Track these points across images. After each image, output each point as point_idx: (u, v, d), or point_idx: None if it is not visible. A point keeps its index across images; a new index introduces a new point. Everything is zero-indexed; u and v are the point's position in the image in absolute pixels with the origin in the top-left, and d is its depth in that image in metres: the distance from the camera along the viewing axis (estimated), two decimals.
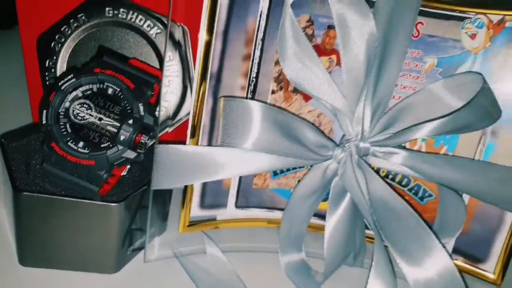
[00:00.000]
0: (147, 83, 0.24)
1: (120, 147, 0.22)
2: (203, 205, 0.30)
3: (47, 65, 0.30)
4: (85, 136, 0.23)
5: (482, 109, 0.27)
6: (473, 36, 0.28)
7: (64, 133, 0.22)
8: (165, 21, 0.29)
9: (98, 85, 0.23)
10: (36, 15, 0.30)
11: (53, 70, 0.30)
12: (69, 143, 0.22)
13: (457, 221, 0.28)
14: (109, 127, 0.23)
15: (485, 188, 0.26)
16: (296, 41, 0.26)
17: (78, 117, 0.23)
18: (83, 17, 0.29)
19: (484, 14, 0.27)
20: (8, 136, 0.28)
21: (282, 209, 0.31)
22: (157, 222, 0.30)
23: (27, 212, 0.25)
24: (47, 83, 0.30)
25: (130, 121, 0.22)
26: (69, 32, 0.29)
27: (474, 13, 0.27)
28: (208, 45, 0.27)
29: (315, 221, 0.32)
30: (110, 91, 0.23)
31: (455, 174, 0.26)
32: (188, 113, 0.29)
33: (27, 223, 0.25)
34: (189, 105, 0.30)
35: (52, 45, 0.29)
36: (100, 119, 0.23)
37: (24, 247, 0.26)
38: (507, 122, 0.28)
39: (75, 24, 0.29)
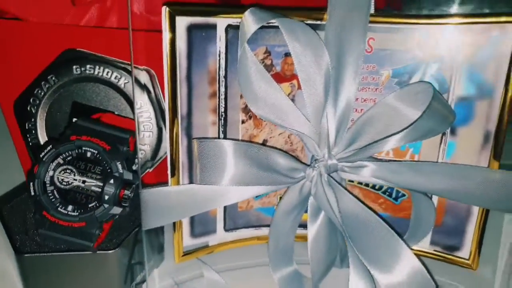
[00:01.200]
0: (121, 140, 0.26)
1: (106, 206, 0.24)
2: (193, 234, 0.33)
3: (27, 127, 0.31)
4: (72, 199, 0.25)
5: (438, 114, 0.28)
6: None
7: (53, 200, 0.24)
8: (129, 70, 0.31)
9: (76, 150, 0.25)
10: (11, 81, 0.32)
11: (33, 131, 0.31)
12: (59, 209, 0.24)
13: (429, 220, 0.30)
14: (93, 188, 0.25)
15: (449, 188, 0.28)
16: (256, 77, 0.28)
17: (63, 183, 0.25)
18: (53, 78, 0.31)
19: (431, 23, 0.29)
20: (3, 199, 0.30)
21: (268, 225, 0.34)
22: (154, 255, 0.32)
23: (31, 271, 0.27)
24: (30, 144, 0.31)
25: (111, 181, 0.24)
26: (42, 93, 0.31)
27: (422, 24, 0.29)
28: (173, 90, 0.28)
29: (302, 231, 0.34)
30: (88, 154, 0.25)
31: (421, 179, 0.28)
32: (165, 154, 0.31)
33: (33, 281, 0.27)
34: (165, 145, 0.32)
35: (29, 108, 0.31)
36: (83, 181, 0.25)
37: None
38: (461, 121, 0.30)
39: (47, 85, 0.31)
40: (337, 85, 0.29)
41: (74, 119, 0.27)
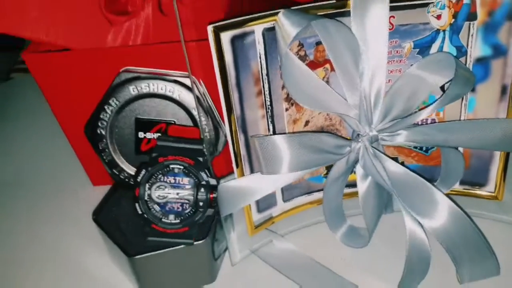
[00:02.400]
0: (198, 152, 0.30)
1: (202, 210, 0.29)
2: (259, 210, 0.38)
3: (100, 147, 0.36)
4: (171, 209, 0.30)
5: (462, 78, 0.32)
6: (438, 17, 0.33)
7: (156, 214, 0.29)
8: (184, 82, 0.34)
9: (165, 169, 0.29)
10: (70, 111, 0.36)
11: (106, 150, 0.36)
12: (163, 220, 0.29)
13: (458, 168, 0.35)
14: (186, 197, 0.30)
15: (473, 141, 0.33)
16: (297, 72, 0.32)
17: (160, 198, 0.29)
18: (114, 100, 0.35)
19: None
20: (96, 211, 0.35)
21: (317, 191, 0.39)
22: (231, 233, 0.38)
23: (143, 268, 0.33)
24: (106, 161, 0.36)
25: (202, 189, 0.29)
26: (107, 116, 0.35)
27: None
28: (227, 96, 0.32)
29: (347, 190, 0.40)
30: (176, 170, 0.29)
31: (448, 137, 0.33)
32: (225, 143, 0.36)
33: (145, 278, 0.33)
34: (223, 139, 0.36)
35: (98, 131, 0.35)
36: (177, 193, 0.29)
37: None
38: (480, 80, 0.34)
39: (110, 108, 0.35)
40: (368, 64, 0.32)
41: (157, 140, 0.31)
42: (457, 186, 0.39)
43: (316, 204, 0.40)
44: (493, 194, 0.37)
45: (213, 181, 0.30)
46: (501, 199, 0.37)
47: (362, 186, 0.36)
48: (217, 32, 0.30)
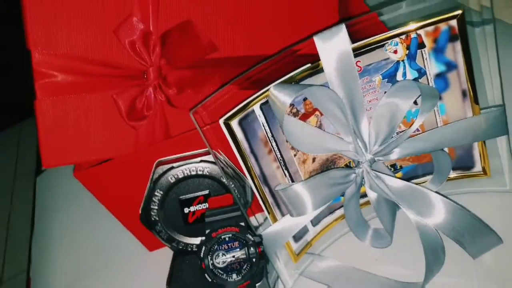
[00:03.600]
0: (239, 218, 0.38)
1: (255, 263, 0.37)
2: (296, 240, 0.45)
3: (157, 230, 0.43)
4: (232, 269, 0.37)
5: (427, 94, 0.39)
6: (395, 52, 0.39)
7: (222, 277, 0.37)
8: (208, 159, 0.42)
9: (219, 240, 0.37)
10: (122, 205, 0.44)
11: (162, 231, 0.43)
12: (229, 280, 0.37)
13: (447, 164, 0.42)
14: (241, 256, 0.37)
15: (452, 140, 0.40)
16: (294, 128, 0.39)
17: (221, 263, 0.37)
18: (158, 191, 0.42)
19: (395, 36, 0.39)
20: (168, 281, 0.43)
21: (338, 208, 0.46)
22: (278, 264, 0.46)
23: None
24: (164, 238, 0.44)
25: (251, 248, 0.37)
26: (156, 205, 0.43)
27: (389, 38, 0.39)
28: (246, 163, 0.39)
29: (363, 200, 0.47)
30: (227, 238, 0.37)
31: (431, 144, 0.40)
32: (252, 194, 0.43)
33: None
34: (250, 191, 0.44)
35: (152, 218, 0.43)
36: (233, 256, 0.37)
37: None
38: (443, 90, 0.41)
39: (157, 198, 0.42)
40: (352, 106, 0.39)
41: (205, 220, 0.39)
42: (452, 173, 0.46)
43: (340, 219, 0.47)
44: (482, 172, 0.44)
45: (257, 239, 0.38)
46: (489, 175, 0.44)
47: (372, 197, 0.43)
48: (227, 123, 0.37)
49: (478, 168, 0.44)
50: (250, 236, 0.37)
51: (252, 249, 0.37)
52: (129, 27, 0.41)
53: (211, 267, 0.37)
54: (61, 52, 0.39)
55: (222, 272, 0.37)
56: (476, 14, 0.37)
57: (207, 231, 0.37)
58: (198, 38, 0.45)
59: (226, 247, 0.37)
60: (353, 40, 0.39)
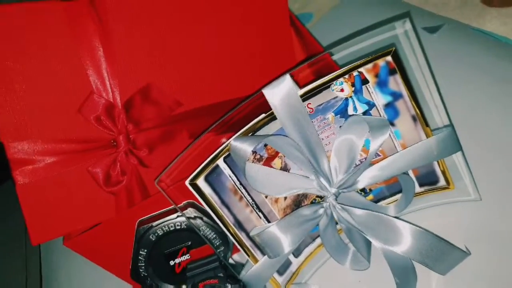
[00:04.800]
0: (217, 269, 0.40)
1: None
2: (280, 274, 0.48)
3: (148, 284, 0.46)
4: None
5: (374, 123, 0.41)
6: (342, 90, 0.42)
7: None
8: (184, 214, 0.44)
9: None
10: (113, 260, 0.47)
11: (153, 284, 0.46)
12: None
13: (411, 184, 0.44)
14: None
15: (409, 164, 0.42)
16: (260, 176, 0.41)
17: None
18: (143, 250, 0.45)
19: (338, 77, 0.41)
20: None
21: (318, 236, 0.49)
22: None
23: None
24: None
25: None
26: (143, 261, 0.45)
27: (333, 80, 0.41)
28: (219, 216, 0.42)
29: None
30: None
31: (392, 169, 0.42)
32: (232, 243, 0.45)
33: None
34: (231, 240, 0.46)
35: (142, 274, 0.46)
36: None
37: None
38: (394, 117, 0.43)
39: (142, 256, 0.45)
40: (309, 146, 0.42)
41: (187, 274, 0.41)
42: (420, 189, 0.48)
43: (322, 246, 0.50)
44: (446, 186, 0.46)
45: (236, 286, 0.40)
46: (453, 187, 0.46)
47: (343, 226, 0.45)
48: (193, 183, 0.40)
49: (442, 182, 0.46)
50: (229, 285, 0.40)
51: None
52: (91, 104, 0.43)
53: None
54: (31, 137, 0.42)
55: None
56: (407, 45, 0.39)
57: (189, 286, 0.40)
58: (161, 98, 0.47)
59: None
60: (304, 84, 0.41)
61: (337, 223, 0.47)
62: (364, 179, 0.42)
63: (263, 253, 0.45)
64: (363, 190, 0.48)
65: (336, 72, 0.41)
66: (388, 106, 0.42)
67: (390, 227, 0.40)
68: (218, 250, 0.42)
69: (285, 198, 0.46)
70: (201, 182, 0.40)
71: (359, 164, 0.44)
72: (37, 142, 0.42)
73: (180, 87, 0.48)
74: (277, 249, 0.42)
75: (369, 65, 0.40)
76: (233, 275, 0.41)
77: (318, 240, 0.50)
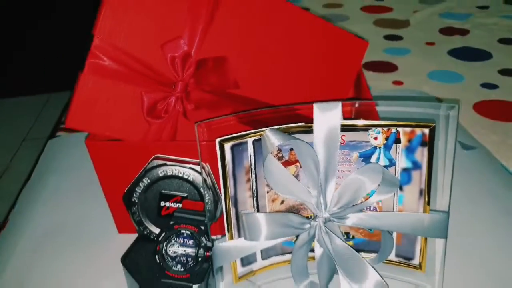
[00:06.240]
0: (201, 222, 0.44)
1: (200, 263, 0.43)
2: (243, 264, 0.51)
3: (132, 210, 0.50)
4: (179, 261, 0.43)
5: (389, 182, 0.46)
6: (375, 138, 0.47)
7: (169, 264, 0.43)
8: (196, 169, 0.49)
9: (178, 233, 0.43)
10: (113, 183, 0.51)
11: (137, 213, 0.50)
12: (173, 268, 0.43)
13: (390, 245, 0.48)
14: (190, 253, 0.43)
15: (399, 227, 0.46)
16: (274, 168, 0.46)
17: (172, 252, 0.43)
18: (147, 179, 0.49)
19: (379, 126, 0.46)
20: (124, 256, 0.49)
21: (289, 252, 0.52)
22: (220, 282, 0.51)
23: None
24: (135, 220, 0.50)
25: (201, 249, 0.43)
26: (140, 189, 0.49)
27: (374, 126, 0.46)
28: (225, 182, 0.46)
29: (312, 254, 0.52)
30: (185, 234, 0.43)
31: (381, 223, 0.46)
32: (221, 212, 0.49)
33: None
34: (220, 208, 0.50)
35: (133, 199, 0.50)
36: (184, 250, 0.43)
37: None
38: (405, 183, 0.48)
39: (143, 184, 0.49)
40: (326, 168, 0.46)
41: (174, 213, 0.45)
42: (394, 258, 0.51)
43: (288, 263, 0.53)
44: (418, 266, 0.50)
45: (209, 244, 0.44)
46: (424, 271, 0.50)
47: (318, 252, 0.49)
48: (221, 143, 0.45)
49: (416, 261, 0.50)
50: (204, 240, 0.43)
51: (201, 250, 0.43)
52: (175, 45, 0.50)
53: (163, 252, 0.43)
54: (117, 44, 0.48)
55: (170, 260, 0.43)
56: (444, 129, 0.45)
57: (171, 222, 0.44)
58: (227, 74, 0.53)
59: (182, 241, 0.43)
60: (345, 118, 0.47)
61: (311, 250, 0.51)
62: (354, 218, 0.46)
63: (240, 235, 0.48)
64: (347, 234, 0.52)
65: (379, 121, 0.46)
66: (405, 171, 0.47)
67: (360, 267, 0.44)
68: (207, 212, 0.46)
69: (282, 202, 0.50)
70: (227, 146, 0.45)
71: (356, 205, 0.48)
72: (119, 50, 0.48)
73: (245, 76, 0.55)
74: (255, 234, 0.45)
75: (408, 129, 0.46)
76: (209, 235, 0.45)
77: (287, 257, 0.53)
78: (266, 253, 0.52)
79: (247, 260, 0.51)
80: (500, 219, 0.59)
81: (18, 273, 0.55)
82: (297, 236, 0.51)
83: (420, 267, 0.50)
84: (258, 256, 0.52)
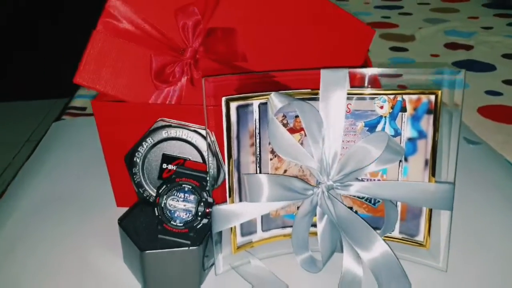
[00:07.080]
0: (203, 179, 0.43)
1: (199, 219, 0.42)
2: (242, 234, 0.50)
3: (133, 171, 0.49)
4: (178, 216, 0.42)
5: (394, 150, 0.46)
6: (381, 107, 0.47)
7: (168, 217, 0.42)
8: (200, 132, 0.49)
9: (179, 187, 0.42)
10: (115, 145, 0.50)
11: (137, 174, 0.49)
12: (171, 222, 0.42)
13: (394, 218, 0.47)
14: (190, 208, 0.42)
15: (404, 197, 0.45)
16: (279, 132, 0.46)
17: (172, 206, 0.42)
18: (150, 139, 0.49)
19: (385, 94, 0.46)
20: (122, 218, 0.48)
21: (290, 226, 0.51)
22: (218, 250, 0.50)
23: (149, 264, 0.44)
24: (136, 182, 0.49)
25: (202, 204, 0.42)
26: (143, 149, 0.49)
27: (380, 94, 0.47)
28: (229, 144, 0.46)
29: (313, 229, 0.51)
30: (186, 188, 0.42)
31: (386, 193, 0.45)
32: (223, 180, 0.49)
33: (150, 272, 0.44)
34: (222, 176, 0.49)
35: (135, 159, 0.49)
36: (184, 205, 0.42)
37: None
38: (410, 153, 0.47)
39: (146, 144, 0.49)
40: (328, 134, 0.46)
41: (177, 168, 0.45)
42: (398, 235, 0.50)
43: (288, 237, 0.52)
44: (422, 243, 0.49)
45: (210, 200, 0.43)
46: (428, 248, 0.48)
47: (320, 225, 0.48)
48: (228, 102, 0.45)
49: (420, 238, 0.49)
50: (205, 195, 0.42)
51: (202, 205, 0.42)
52: (187, 12, 0.51)
53: (162, 205, 0.42)
54: (133, 6, 0.49)
55: (169, 214, 0.42)
56: (450, 95, 0.45)
57: (173, 176, 0.43)
58: (235, 46, 0.54)
59: (182, 196, 0.42)
60: (352, 86, 0.47)
61: (313, 225, 0.50)
62: (358, 186, 0.46)
63: (241, 199, 0.47)
64: (350, 208, 0.51)
65: (385, 89, 0.46)
66: (411, 140, 0.47)
67: (365, 233, 0.43)
68: (209, 177, 0.46)
69: (285, 171, 0.50)
70: (233, 106, 0.45)
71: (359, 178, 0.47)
72: (134, 11, 0.49)
73: (253, 52, 0.56)
74: (257, 195, 0.44)
75: (414, 97, 0.46)
76: (210, 192, 0.44)
77: (287, 231, 0.52)
78: (267, 225, 0.51)
79: (247, 230, 0.50)
80: (507, 211, 0.58)
81: (12, 234, 0.54)
82: (298, 208, 0.50)
83: (424, 244, 0.49)
84: (259, 227, 0.51)
